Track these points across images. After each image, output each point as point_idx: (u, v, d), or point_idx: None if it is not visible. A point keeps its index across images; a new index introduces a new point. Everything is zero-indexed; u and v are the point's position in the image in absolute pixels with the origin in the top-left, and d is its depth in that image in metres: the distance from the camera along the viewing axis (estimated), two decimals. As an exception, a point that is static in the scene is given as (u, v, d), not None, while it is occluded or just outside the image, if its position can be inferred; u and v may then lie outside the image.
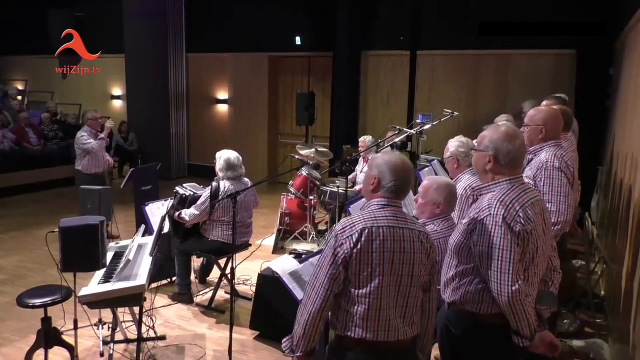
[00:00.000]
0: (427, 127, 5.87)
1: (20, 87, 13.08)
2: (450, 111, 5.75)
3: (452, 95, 8.48)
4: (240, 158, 4.66)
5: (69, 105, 11.96)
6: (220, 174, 4.58)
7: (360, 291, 2.03)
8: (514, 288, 2.03)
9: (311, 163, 3.95)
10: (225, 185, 4.51)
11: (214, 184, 4.55)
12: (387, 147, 5.66)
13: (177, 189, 4.67)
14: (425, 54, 8.70)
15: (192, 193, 4.60)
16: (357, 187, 6.44)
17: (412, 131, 5.63)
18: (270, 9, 9.75)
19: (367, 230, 2.01)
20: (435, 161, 5.85)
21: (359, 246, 1.99)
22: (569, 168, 3.03)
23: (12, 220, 7.53)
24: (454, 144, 3.48)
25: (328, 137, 9.35)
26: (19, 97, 12.38)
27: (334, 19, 8.91)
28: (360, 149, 6.87)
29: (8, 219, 7.57)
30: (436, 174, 5.07)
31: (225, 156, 4.59)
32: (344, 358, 2.09)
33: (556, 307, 2.42)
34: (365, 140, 7.04)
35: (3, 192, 8.83)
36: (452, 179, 3.44)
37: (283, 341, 2.21)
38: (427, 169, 5.45)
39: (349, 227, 2.04)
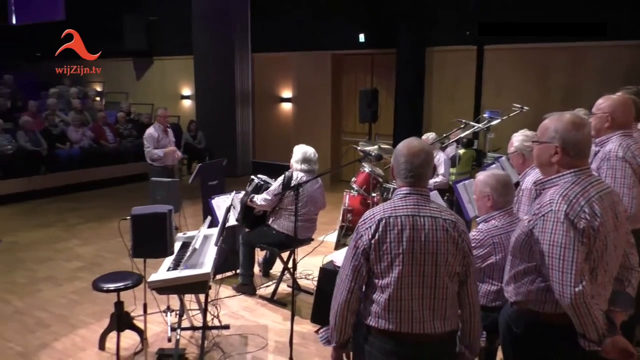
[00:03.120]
0: (494, 122, 5.67)
1: (98, 88, 13.89)
2: (520, 106, 5.53)
3: (521, 90, 8.15)
4: (317, 155, 4.75)
5: (142, 105, 12.55)
6: (295, 165, 4.66)
7: (382, 281, 2.03)
8: (577, 289, 1.89)
9: (373, 154, 3.92)
10: (298, 175, 4.59)
11: (287, 172, 4.65)
12: (451, 142, 5.52)
13: (253, 177, 4.86)
14: (492, 48, 8.42)
15: (266, 181, 4.77)
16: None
17: (479, 125, 5.45)
18: (333, 7, 9.78)
19: (384, 221, 2.01)
20: (503, 158, 5.64)
21: (376, 237, 2.00)
22: (635, 158, 2.79)
23: (89, 212, 8.01)
24: (518, 138, 3.35)
25: (391, 134, 9.25)
26: (97, 98, 13.15)
27: (397, 15, 8.81)
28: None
29: (86, 211, 8.06)
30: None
31: (303, 149, 4.69)
32: (372, 347, 2.08)
33: (632, 309, 2.21)
34: (428, 137, 6.89)
35: (82, 186, 9.44)
36: (519, 174, 3.30)
37: (320, 332, 2.23)
38: (493, 165, 5.26)
39: (369, 218, 2.06)
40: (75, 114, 10.35)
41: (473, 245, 2.52)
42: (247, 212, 4.71)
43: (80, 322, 4.33)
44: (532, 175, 3.17)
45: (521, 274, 2.11)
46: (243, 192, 4.78)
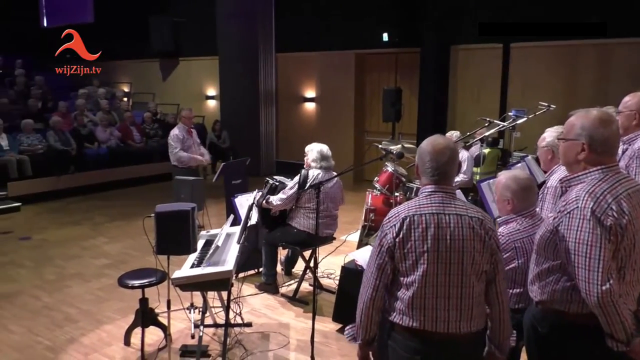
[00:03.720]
0: (520, 121, 5.57)
1: (125, 89, 14.14)
2: (546, 104, 5.42)
3: (547, 88, 8.00)
4: (329, 150, 4.80)
5: (168, 105, 12.74)
6: (313, 164, 4.69)
7: (407, 279, 2.02)
8: (604, 287, 1.84)
9: (394, 152, 3.90)
10: (314, 173, 4.62)
11: (303, 171, 4.69)
12: (475, 141, 5.45)
13: (268, 179, 4.91)
14: (518, 46, 8.29)
15: (281, 182, 4.81)
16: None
17: (504, 124, 5.36)
18: (357, 7, 9.76)
19: (408, 219, 2.00)
20: (529, 157, 5.54)
21: (400, 235, 1.99)
22: None
23: (116, 210, 8.16)
24: (551, 134, 3.28)
25: (414, 133, 9.18)
26: (125, 98, 13.39)
27: (421, 13, 8.74)
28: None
29: (113, 209, 8.21)
30: (530, 171, 4.80)
31: (317, 148, 4.73)
32: (396, 344, 2.07)
33: None
34: (451, 135, 6.82)
35: (109, 185, 9.64)
36: (545, 171, 3.24)
37: (346, 329, 2.24)
38: (519, 165, 5.17)
39: (393, 216, 2.05)
40: (103, 114, 10.57)
41: None
42: (265, 213, 4.75)
43: (106, 317, 4.42)
44: (559, 174, 3.10)
45: (546, 273, 2.07)
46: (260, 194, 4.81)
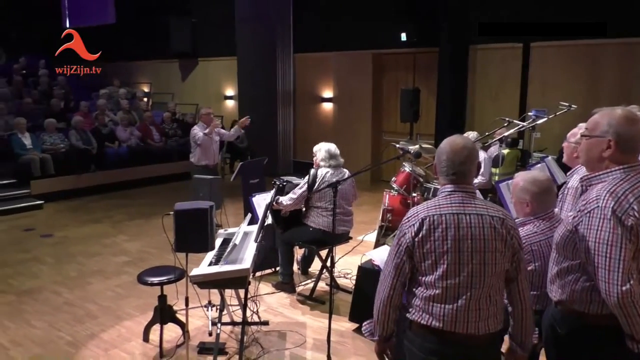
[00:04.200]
0: (540, 121, 5.51)
1: (145, 89, 14.32)
2: (567, 104, 5.34)
3: (568, 88, 7.89)
4: (337, 148, 4.83)
5: (187, 105, 12.86)
6: (322, 164, 4.72)
7: (426, 278, 2.01)
8: (624, 288, 1.82)
9: (412, 151, 3.89)
10: (322, 172, 4.64)
11: (312, 171, 4.72)
12: (494, 142, 5.40)
13: (274, 180, 4.94)
14: (539, 45, 8.19)
15: (289, 181, 4.86)
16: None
17: (523, 124, 5.30)
18: (374, 7, 9.74)
19: (428, 219, 1.98)
20: (549, 158, 5.48)
21: (420, 235, 1.98)
22: None
23: (136, 209, 8.27)
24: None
25: (432, 134, 9.12)
26: (145, 99, 13.56)
27: (440, 13, 8.68)
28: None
29: (133, 208, 8.33)
30: (550, 172, 4.74)
31: (325, 147, 4.77)
32: (413, 342, 2.06)
33: None
34: (469, 136, 6.77)
35: (129, 184, 9.76)
36: (569, 166, 3.18)
37: (364, 324, 2.25)
38: (539, 165, 5.12)
39: (412, 216, 2.04)
40: (123, 114, 10.72)
41: None
42: (276, 215, 4.77)
43: (125, 314, 4.48)
44: (580, 174, 3.06)
45: (565, 272, 2.05)
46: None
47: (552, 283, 2.13)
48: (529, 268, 2.55)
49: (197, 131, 6.89)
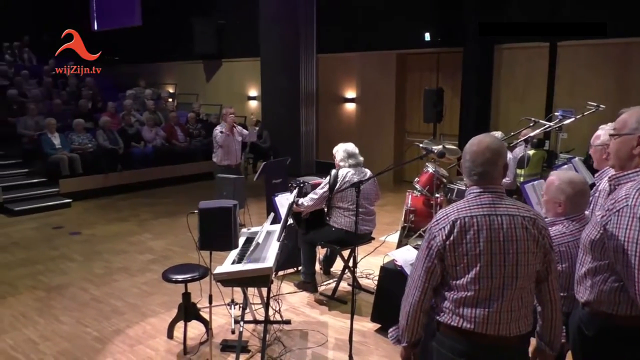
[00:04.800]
0: (567, 121, 5.40)
1: (170, 90, 14.52)
2: (595, 104, 5.23)
3: (596, 88, 7.73)
4: (356, 147, 4.82)
5: (211, 105, 13.00)
6: (342, 164, 4.72)
7: (457, 281, 1.96)
8: None
9: (435, 151, 3.86)
10: (343, 172, 4.64)
11: (333, 171, 4.72)
12: (520, 142, 5.32)
13: (291, 182, 4.98)
14: (566, 44, 8.04)
15: (305, 181, 4.91)
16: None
17: (550, 124, 5.21)
18: (398, 6, 9.70)
19: (459, 221, 1.94)
20: (576, 159, 5.38)
21: (451, 238, 1.93)
22: None
23: (161, 208, 8.40)
24: (606, 132, 3.15)
25: (456, 134, 9.05)
26: (170, 99, 13.75)
27: (465, 12, 8.60)
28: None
29: (158, 207, 8.46)
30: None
31: (343, 147, 4.78)
32: (442, 344, 2.03)
33: None
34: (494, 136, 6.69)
35: (154, 183, 9.92)
36: (598, 169, 3.12)
37: (390, 331, 2.21)
38: (565, 166, 5.02)
39: (442, 218, 1.99)
40: (149, 115, 10.89)
41: None
42: (297, 217, 4.79)
43: (150, 311, 4.56)
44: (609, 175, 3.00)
45: (592, 272, 2.02)
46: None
47: (579, 284, 2.10)
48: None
49: (218, 131, 6.97)
